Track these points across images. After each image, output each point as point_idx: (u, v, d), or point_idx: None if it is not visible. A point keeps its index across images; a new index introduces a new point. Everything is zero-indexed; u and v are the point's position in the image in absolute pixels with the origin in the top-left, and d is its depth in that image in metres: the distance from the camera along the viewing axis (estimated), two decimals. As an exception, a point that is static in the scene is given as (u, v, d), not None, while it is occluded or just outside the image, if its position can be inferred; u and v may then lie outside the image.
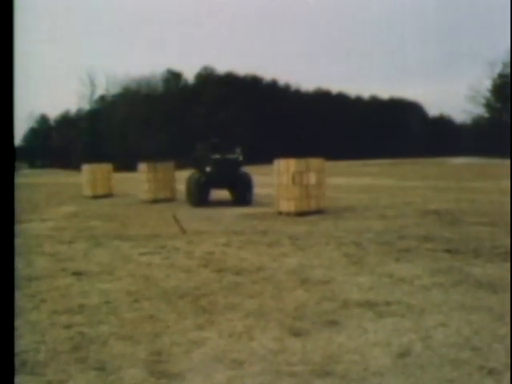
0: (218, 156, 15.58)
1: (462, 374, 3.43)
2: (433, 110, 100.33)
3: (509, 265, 6.40)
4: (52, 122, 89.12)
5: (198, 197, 15.51)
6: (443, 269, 6.39)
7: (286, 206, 12.42)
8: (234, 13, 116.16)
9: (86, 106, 76.02)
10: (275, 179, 12.85)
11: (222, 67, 78.23)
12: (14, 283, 2.49)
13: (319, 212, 12.39)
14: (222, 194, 16.66)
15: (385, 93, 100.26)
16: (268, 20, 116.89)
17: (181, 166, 20.21)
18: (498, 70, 66.73)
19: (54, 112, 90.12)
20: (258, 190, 19.60)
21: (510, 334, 4.01)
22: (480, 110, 70.89)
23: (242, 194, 15.79)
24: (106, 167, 22.00)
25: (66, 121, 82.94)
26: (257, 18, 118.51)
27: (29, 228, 11.32)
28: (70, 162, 65.68)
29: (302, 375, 3.48)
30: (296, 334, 4.23)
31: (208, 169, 15.38)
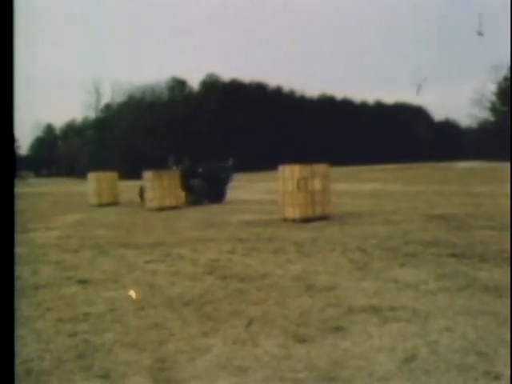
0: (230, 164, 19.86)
1: (467, 379, 3.41)
2: (438, 114, 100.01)
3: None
4: (58, 131, 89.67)
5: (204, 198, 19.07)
6: (449, 273, 6.35)
7: (291, 212, 12.40)
8: (238, 20, 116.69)
9: (91, 115, 76.54)
10: (280, 185, 12.84)
11: (226, 74, 78.45)
12: (15, 291, 2.50)
13: (324, 218, 12.37)
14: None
15: (389, 98, 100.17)
16: (272, 26, 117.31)
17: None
18: (502, 73, 66.71)
19: (59, 121, 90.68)
20: (263, 197, 19.58)
21: (510, 338, 3.98)
22: (485, 114, 70.84)
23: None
24: (112, 175, 22.03)
25: (71, 130, 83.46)
26: (260, 25, 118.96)
27: (35, 237, 11.36)
28: (75, 171, 66.05)
29: (306, 381, 3.47)
30: (301, 340, 4.22)
31: (224, 175, 19.37)
